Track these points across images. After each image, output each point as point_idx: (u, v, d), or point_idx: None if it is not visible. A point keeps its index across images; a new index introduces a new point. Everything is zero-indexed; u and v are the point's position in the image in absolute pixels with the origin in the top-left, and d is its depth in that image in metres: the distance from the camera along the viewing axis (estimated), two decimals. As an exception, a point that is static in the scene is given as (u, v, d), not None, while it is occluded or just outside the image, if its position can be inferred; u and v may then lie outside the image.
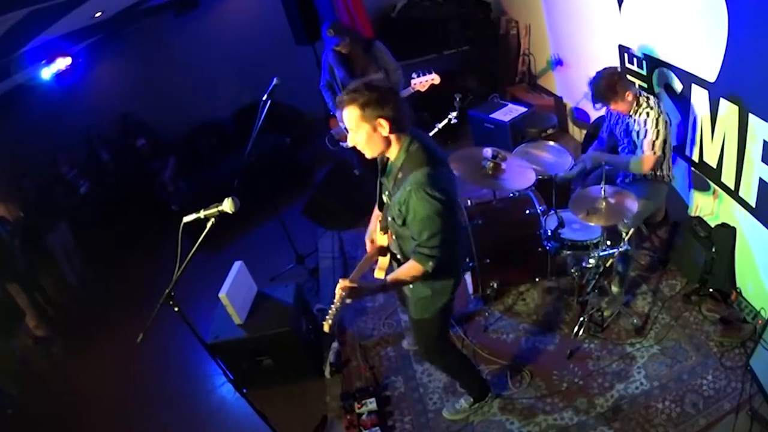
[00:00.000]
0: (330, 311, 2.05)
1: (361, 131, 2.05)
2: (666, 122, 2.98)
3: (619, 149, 3.38)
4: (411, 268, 2.17)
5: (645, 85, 3.59)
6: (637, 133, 3.05)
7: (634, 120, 3.05)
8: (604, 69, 3.08)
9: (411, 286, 2.35)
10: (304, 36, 5.50)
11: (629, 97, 3.00)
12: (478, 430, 2.91)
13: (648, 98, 3.03)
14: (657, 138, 2.95)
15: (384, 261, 2.43)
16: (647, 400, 2.82)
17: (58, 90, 5.13)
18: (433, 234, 2.06)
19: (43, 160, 5.57)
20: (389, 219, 2.26)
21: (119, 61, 6.04)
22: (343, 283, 2.10)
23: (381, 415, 3.07)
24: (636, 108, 3.04)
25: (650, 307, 3.35)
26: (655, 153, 2.98)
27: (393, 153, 2.13)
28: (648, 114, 2.96)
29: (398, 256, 2.38)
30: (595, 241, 3.10)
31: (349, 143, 2.13)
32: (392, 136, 2.08)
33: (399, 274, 2.22)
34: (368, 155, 2.14)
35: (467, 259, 3.39)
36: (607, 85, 2.99)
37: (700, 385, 2.83)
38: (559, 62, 5.21)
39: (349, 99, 2.02)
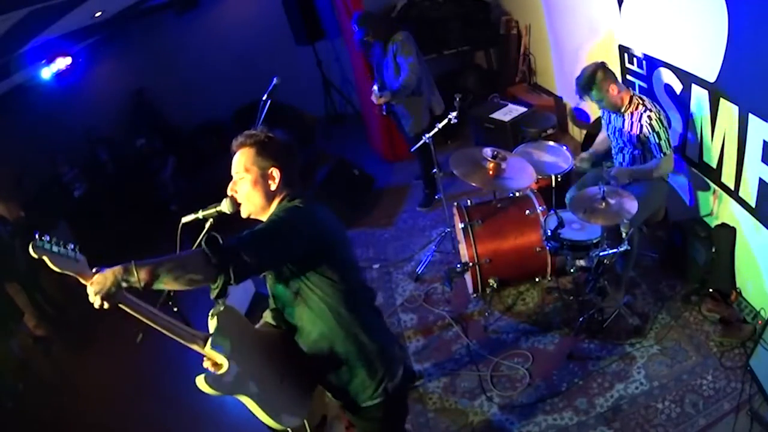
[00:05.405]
0: None
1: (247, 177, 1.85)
2: (666, 120, 3.00)
3: (613, 151, 3.37)
4: None
5: (645, 85, 3.58)
6: (638, 136, 3.05)
7: (631, 122, 3.05)
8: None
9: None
10: (305, 36, 5.51)
11: (613, 91, 3.01)
12: (478, 430, 2.91)
13: (643, 99, 3.04)
14: (664, 137, 2.96)
15: None
16: (647, 400, 2.82)
17: (58, 90, 5.13)
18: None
19: (43, 160, 5.56)
20: None
21: (119, 61, 6.04)
22: None
23: (381, 415, 3.06)
24: (629, 107, 3.05)
25: (650, 307, 3.34)
26: (669, 152, 2.99)
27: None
28: (650, 117, 2.96)
29: None
30: (595, 241, 3.09)
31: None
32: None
33: None
34: (243, 212, 1.92)
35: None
36: (586, 76, 3.03)
37: (700, 385, 2.83)
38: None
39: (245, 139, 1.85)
